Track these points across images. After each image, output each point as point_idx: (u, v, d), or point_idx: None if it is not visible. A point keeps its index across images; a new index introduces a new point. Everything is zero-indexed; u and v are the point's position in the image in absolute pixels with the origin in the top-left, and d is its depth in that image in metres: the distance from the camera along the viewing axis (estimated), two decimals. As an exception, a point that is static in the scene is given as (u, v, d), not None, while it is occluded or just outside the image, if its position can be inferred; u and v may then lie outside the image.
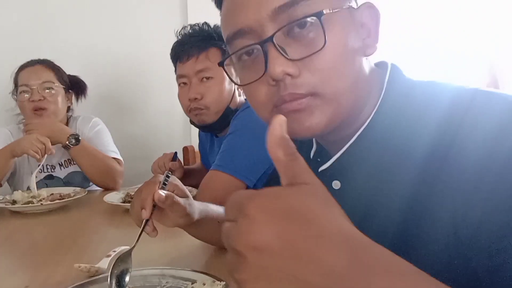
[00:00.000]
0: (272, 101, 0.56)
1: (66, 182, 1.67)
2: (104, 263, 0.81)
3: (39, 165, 1.52)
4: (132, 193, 1.37)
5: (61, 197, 1.38)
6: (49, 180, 1.67)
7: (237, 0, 0.56)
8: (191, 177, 1.56)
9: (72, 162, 1.70)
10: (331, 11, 0.52)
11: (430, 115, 0.53)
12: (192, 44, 1.32)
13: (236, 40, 0.57)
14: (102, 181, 1.64)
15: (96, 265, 0.79)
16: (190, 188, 1.23)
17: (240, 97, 1.37)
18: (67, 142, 1.55)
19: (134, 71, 2.38)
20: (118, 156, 1.73)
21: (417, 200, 0.51)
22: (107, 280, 0.71)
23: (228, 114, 1.33)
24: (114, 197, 1.37)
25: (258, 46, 0.54)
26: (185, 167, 1.67)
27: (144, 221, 0.74)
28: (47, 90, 1.62)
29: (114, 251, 0.87)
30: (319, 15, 0.51)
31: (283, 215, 0.33)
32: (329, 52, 0.53)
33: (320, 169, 0.64)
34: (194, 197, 0.86)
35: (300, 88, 0.53)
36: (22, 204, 1.33)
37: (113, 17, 2.32)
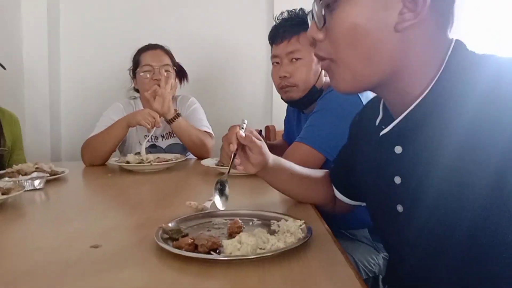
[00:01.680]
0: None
1: (167, 151, 1.93)
2: (208, 204, 1.02)
3: (149, 135, 1.79)
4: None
5: (166, 160, 1.64)
6: (152, 149, 1.95)
7: None
8: (272, 151, 1.74)
9: (172, 135, 1.96)
10: None
11: (487, 86, 0.61)
12: (285, 28, 1.49)
13: None
14: (196, 151, 1.88)
15: (202, 204, 1.00)
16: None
17: (326, 77, 1.51)
18: (171, 118, 1.81)
19: (222, 56, 2.62)
20: (210, 131, 1.96)
21: (468, 158, 0.60)
22: (210, 215, 0.92)
23: (314, 92, 1.48)
24: (209, 162, 1.60)
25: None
26: (268, 142, 1.84)
27: (232, 156, 0.94)
28: (165, 73, 1.89)
29: (214, 197, 1.07)
30: None
31: None
32: (338, 28, 0.68)
33: (381, 134, 0.74)
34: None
35: (320, 51, 0.72)
36: (135, 164, 1.60)
37: (205, 6, 2.58)
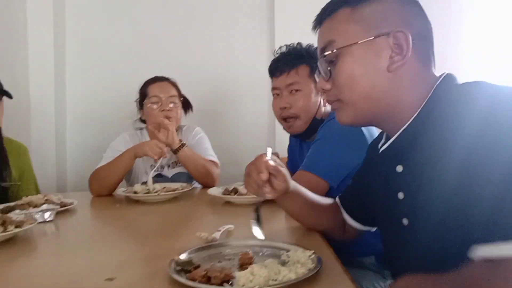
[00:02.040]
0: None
1: (173, 181, 1.95)
2: (217, 235, 1.04)
3: (155, 165, 1.82)
4: (230, 189, 1.61)
5: (173, 190, 1.66)
6: (159, 178, 1.97)
7: None
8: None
9: (178, 164, 1.99)
10: (336, 50, 0.82)
11: (469, 109, 0.68)
12: (284, 62, 1.54)
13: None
14: (202, 179, 1.90)
15: (212, 235, 1.02)
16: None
17: (326, 107, 1.55)
18: (177, 148, 1.84)
19: (225, 87, 2.68)
20: (215, 159, 1.99)
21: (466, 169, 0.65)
22: (221, 246, 0.94)
23: (315, 123, 1.52)
24: (215, 191, 1.62)
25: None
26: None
27: (262, 184, 0.98)
28: (171, 104, 1.94)
29: (222, 228, 1.09)
30: (330, 53, 0.83)
31: None
32: (341, 76, 0.82)
33: (380, 150, 0.86)
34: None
35: (330, 97, 0.88)
36: (142, 194, 1.62)
37: (207, 39, 2.65)
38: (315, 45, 0.92)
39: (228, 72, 2.66)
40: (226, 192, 1.59)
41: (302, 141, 1.67)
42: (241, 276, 0.73)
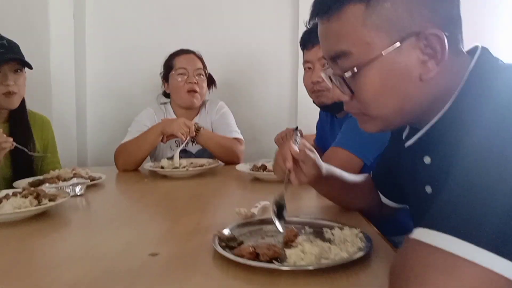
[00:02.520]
0: None
1: (198, 156, 1.93)
2: (255, 210, 1.01)
3: (182, 144, 1.79)
4: (258, 165, 1.58)
5: (200, 165, 1.64)
6: (182, 154, 1.93)
7: None
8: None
9: (203, 140, 1.97)
10: (356, 69, 0.67)
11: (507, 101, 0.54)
12: (316, 33, 1.48)
13: None
14: (226, 158, 1.87)
15: (250, 211, 1.00)
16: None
17: None
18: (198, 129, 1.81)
19: (249, 61, 2.62)
20: (239, 136, 1.96)
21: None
22: (261, 223, 0.92)
23: None
24: (243, 167, 1.60)
25: None
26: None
27: (287, 172, 0.90)
28: (198, 76, 1.91)
29: (259, 204, 1.07)
30: (352, 69, 0.68)
31: None
32: (365, 92, 0.69)
33: (406, 145, 0.78)
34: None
35: (351, 109, 0.75)
36: (170, 169, 1.60)
37: (230, 12, 2.58)
38: None
39: (251, 46, 2.60)
40: (255, 168, 1.56)
41: (333, 117, 1.62)
42: (291, 254, 0.71)
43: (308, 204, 1.19)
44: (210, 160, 1.76)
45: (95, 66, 2.61)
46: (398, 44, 0.65)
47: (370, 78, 0.67)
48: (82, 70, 2.58)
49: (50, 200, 1.07)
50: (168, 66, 1.95)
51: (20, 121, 1.63)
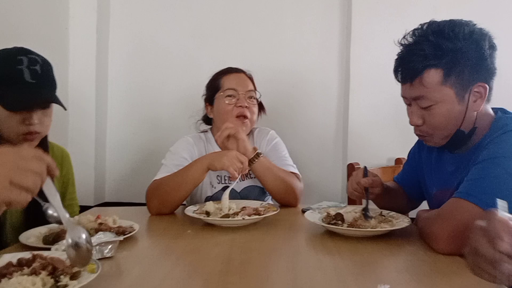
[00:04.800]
0: None
1: (243, 196, 1.58)
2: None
3: (233, 183, 1.46)
4: (332, 213, 1.23)
5: (256, 212, 1.28)
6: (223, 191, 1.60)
7: None
8: (387, 196, 1.37)
9: (249, 176, 1.62)
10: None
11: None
12: (404, 64, 1.15)
13: None
14: (283, 197, 1.53)
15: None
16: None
17: (476, 113, 1.12)
18: (252, 157, 1.48)
19: (291, 86, 2.31)
20: (297, 171, 1.62)
21: None
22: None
23: (460, 136, 1.12)
24: (313, 216, 1.24)
25: None
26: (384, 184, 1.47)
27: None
28: (249, 100, 1.60)
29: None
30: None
31: None
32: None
33: None
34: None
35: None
36: (219, 218, 1.25)
37: (274, 35, 2.30)
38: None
39: (296, 71, 2.29)
40: (329, 218, 1.21)
41: (443, 151, 1.25)
42: None
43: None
44: (265, 204, 1.41)
45: (118, 87, 2.31)
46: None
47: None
48: (104, 92, 2.28)
49: (72, 277, 0.72)
50: (214, 86, 1.64)
51: None
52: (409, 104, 1.17)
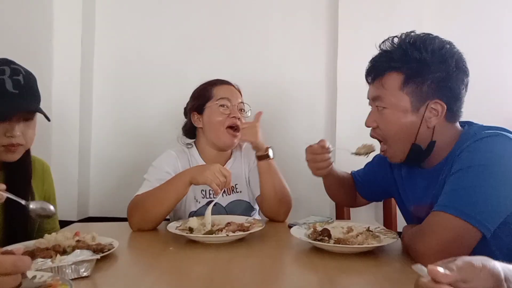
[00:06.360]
0: None
1: (229, 211, 1.55)
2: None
3: (216, 198, 1.42)
4: (319, 228, 1.21)
5: (241, 228, 1.25)
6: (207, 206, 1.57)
7: None
8: (339, 184, 1.47)
9: (234, 190, 1.59)
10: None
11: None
12: (373, 65, 1.20)
13: None
14: (276, 207, 1.51)
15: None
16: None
17: (435, 127, 1.11)
18: (266, 153, 1.51)
19: (278, 98, 2.28)
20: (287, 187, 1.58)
21: None
22: None
23: (417, 152, 1.13)
24: (299, 232, 1.21)
25: None
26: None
27: None
28: (240, 111, 1.59)
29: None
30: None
31: None
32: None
33: None
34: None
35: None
36: (202, 234, 1.21)
37: (260, 46, 2.27)
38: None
39: (283, 85, 2.26)
40: (316, 234, 1.18)
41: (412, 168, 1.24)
42: None
43: None
44: (251, 219, 1.38)
45: (103, 100, 2.27)
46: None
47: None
48: (88, 105, 2.24)
49: (41, 299, 0.68)
50: (204, 96, 1.60)
51: (19, 170, 1.27)
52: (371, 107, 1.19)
